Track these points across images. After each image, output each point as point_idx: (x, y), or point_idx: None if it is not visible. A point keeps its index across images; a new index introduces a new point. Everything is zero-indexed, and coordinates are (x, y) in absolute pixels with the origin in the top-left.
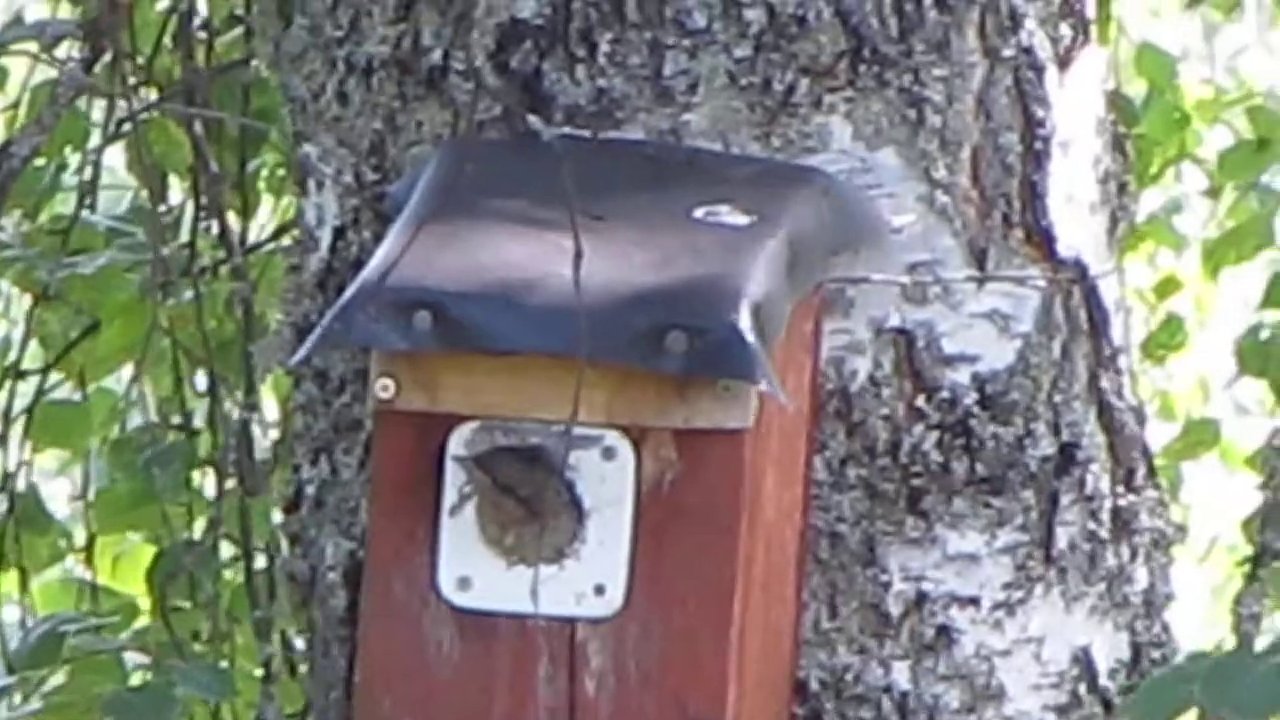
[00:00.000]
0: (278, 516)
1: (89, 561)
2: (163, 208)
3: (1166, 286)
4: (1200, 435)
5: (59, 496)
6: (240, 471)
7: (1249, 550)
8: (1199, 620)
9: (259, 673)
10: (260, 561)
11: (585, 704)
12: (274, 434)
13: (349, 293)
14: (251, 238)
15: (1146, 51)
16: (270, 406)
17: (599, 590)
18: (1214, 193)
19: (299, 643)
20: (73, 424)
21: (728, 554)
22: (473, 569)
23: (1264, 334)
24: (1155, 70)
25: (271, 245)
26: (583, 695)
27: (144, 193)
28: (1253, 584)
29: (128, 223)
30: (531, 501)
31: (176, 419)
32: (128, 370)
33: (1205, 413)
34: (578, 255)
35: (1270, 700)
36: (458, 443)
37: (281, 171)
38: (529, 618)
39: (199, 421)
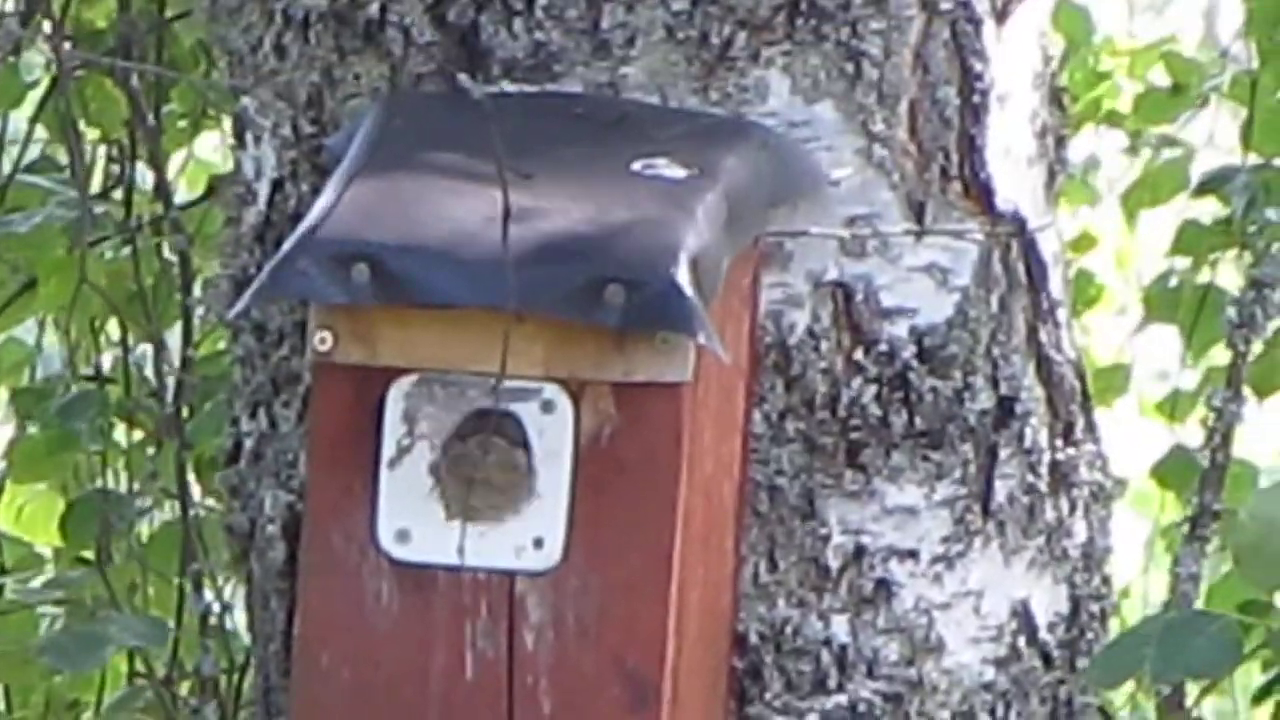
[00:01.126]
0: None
1: None
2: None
3: (1081, 243)
4: (1110, 381)
5: None
6: (176, 423)
7: (1158, 497)
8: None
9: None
10: (169, 513)
11: (524, 657)
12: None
13: (287, 245)
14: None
15: (1065, 7)
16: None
17: (538, 543)
18: (1133, 150)
19: (207, 594)
20: None
21: (666, 507)
22: (411, 522)
23: (1172, 281)
24: (1073, 26)
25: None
26: (521, 649)
27: (54, 147)
28: (1191, 544)
29: (62, 182)
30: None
31: (87, 370)
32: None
33: (1134, 367)
34: (506, 214)
35: (1220, 661)
36: (396, 396)
37: (183, 124)
38: (468, 570)
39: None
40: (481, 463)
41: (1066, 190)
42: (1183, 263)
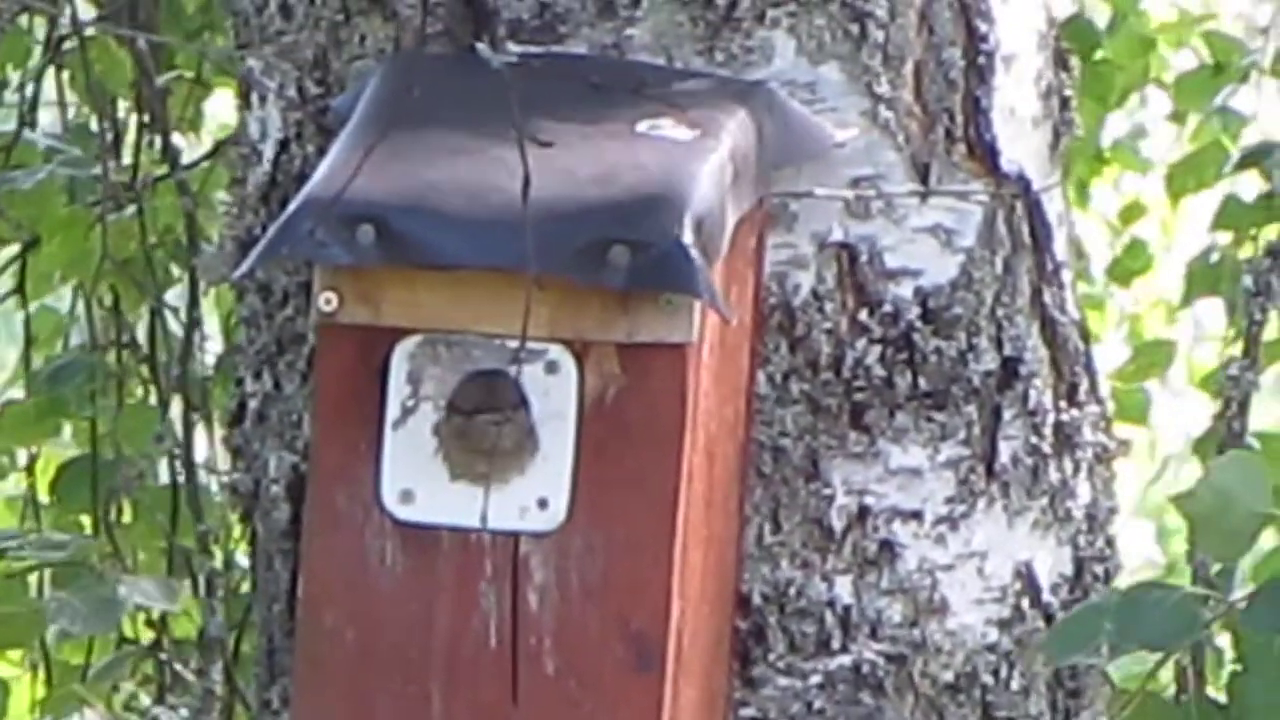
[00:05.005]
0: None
1: (30, 477)
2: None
3: (1131, 212)
4: (1154, 356)
5: None
6: (184, 386)
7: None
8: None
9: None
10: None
11: (528, 618)
12: (216, 349)
13: (292, 206)
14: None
15: None
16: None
17: (542, 504)
18: (1178, 117)
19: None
20: None
21: (670, 468)
22: (416, 482)
23: (1214, 256)
24: None
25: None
26: (525, 609)
27: (84, 110)
28: None
29: (67, 141)
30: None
31: (116, 337)
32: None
33: (1169, 336)
34: (526, 182)
35: (1179, 632)
36: (401, 357)
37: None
38: (472, 531)
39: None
40: (487, 434)
41: (1114, 158)
42: (1224, 237)
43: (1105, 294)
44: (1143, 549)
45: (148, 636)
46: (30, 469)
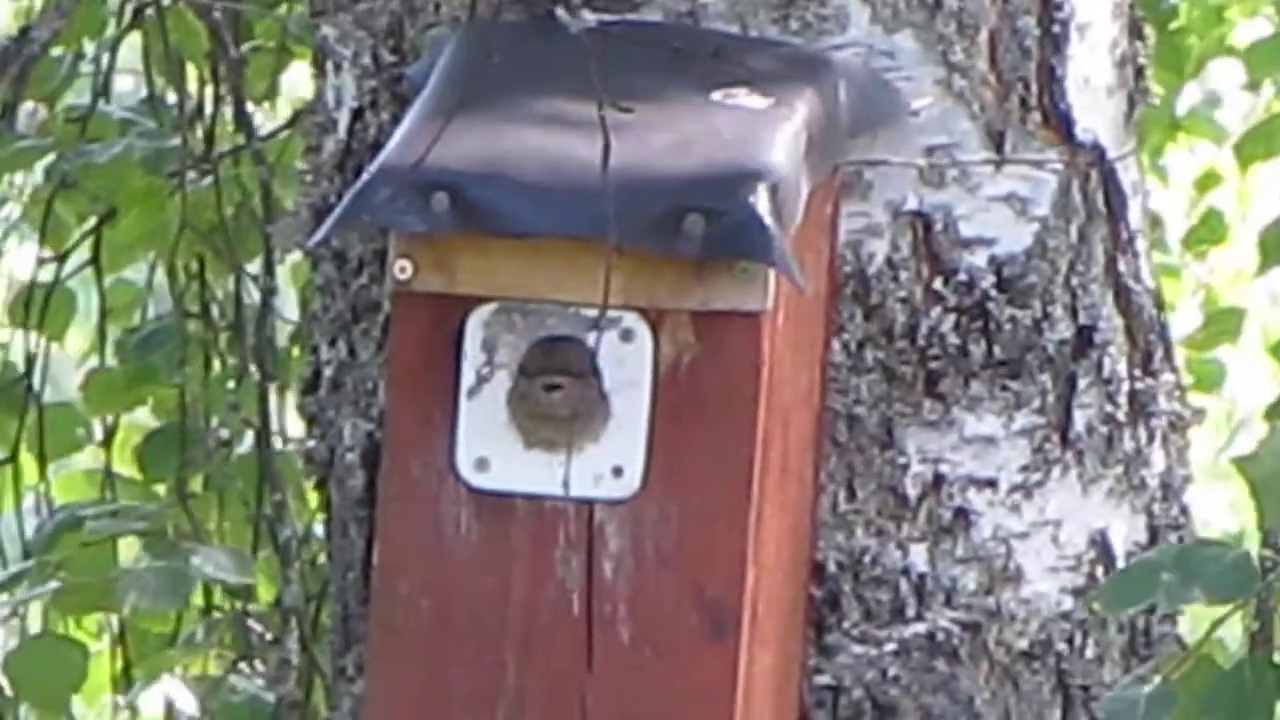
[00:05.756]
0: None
1: (107, 450)
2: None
3: (1207, 180)
4: (1224, 324)
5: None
6: (259, 354)
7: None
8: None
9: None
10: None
11: (603, 586)
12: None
13: (367, 174)
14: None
15: None
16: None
17: (617, 472)
18: (1253, 86)
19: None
20: (56, 309)
21: (745, 436)
22: (491, 450)
23: None
24: None
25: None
26: (600, 577)
27: (159, 82)
28: None
29: (143, 113)
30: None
31: (195, 307)
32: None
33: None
34: (606, 149)
35: (1237, 587)
36: (475, 324)
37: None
38: (547, 499)
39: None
40: (543, 399)
41: (1189, 127)
42: None
43: (1180, 263)
44: (1214, 517)
45: (232, 603)
46: (108, 442)
